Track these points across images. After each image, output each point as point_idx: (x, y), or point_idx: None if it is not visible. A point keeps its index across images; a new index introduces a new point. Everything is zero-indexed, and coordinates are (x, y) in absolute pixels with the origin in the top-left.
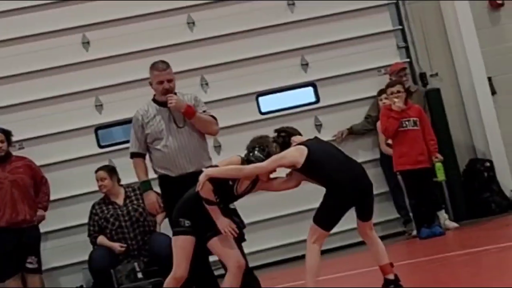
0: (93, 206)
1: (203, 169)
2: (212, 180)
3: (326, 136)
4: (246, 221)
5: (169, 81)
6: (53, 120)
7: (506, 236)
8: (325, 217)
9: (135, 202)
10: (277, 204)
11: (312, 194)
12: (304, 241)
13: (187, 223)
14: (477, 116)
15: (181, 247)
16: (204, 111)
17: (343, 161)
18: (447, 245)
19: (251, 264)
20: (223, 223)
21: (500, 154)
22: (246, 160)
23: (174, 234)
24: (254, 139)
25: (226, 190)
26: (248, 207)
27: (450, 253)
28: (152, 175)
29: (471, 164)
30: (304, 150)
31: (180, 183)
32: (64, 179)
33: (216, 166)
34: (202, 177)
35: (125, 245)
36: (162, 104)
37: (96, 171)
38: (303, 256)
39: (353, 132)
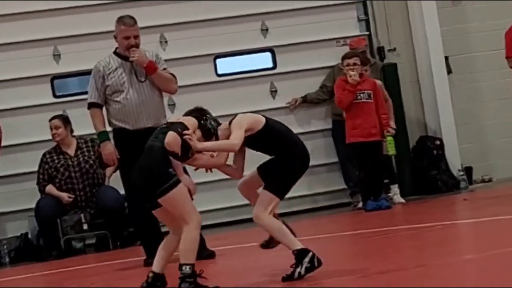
0: (43, 155)
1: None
2: (180, 137)
3: (280, 102)
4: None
5: (135, 37)
6: (9, 66)
7: (451, 214)
8: (283, 185)
9: (86, 153)
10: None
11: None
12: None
13: (174, 172)
14: (431, 94)
15: (185, 195)
16: (164, 69)
17: (290, 130)
18: (392, 219)
19: None
20: (188, 179)
21: (450, 133)
22: (200, 126)
23: (171, 187)
24: (197, 109)
25: (185, 150)
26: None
27: (394, 226)
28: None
29: (421, 141)
30: (258, 115)
31: (136, 137)
32: (16, 126)
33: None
34: (196, 147)
35: (73, 195)
36: (124, 58)
37: (51, 120)
38: (249, 219)
39: (307, 101)
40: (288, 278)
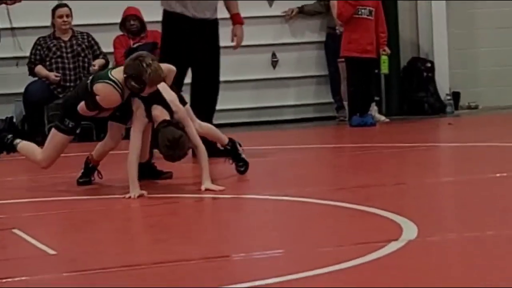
0: (38, 39)
1: None
2: None
3: (276, 11)
4: None
5: None
6: None
7: (435, 136)
8: None
9: (80, 40)
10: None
11: None
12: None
13: (71, 124)
14: (428, 16)
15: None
16: None
17: None
18: (376, 136)
19: None
20: None
21: (442, 56)
22: None
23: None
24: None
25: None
26: None
27: (377, 144)
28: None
29: (413, 62)
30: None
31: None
32: (11, 9)
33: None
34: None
35: (59, 74)
36: None
37: (59, 7)
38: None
39: (303, 12)
40: None
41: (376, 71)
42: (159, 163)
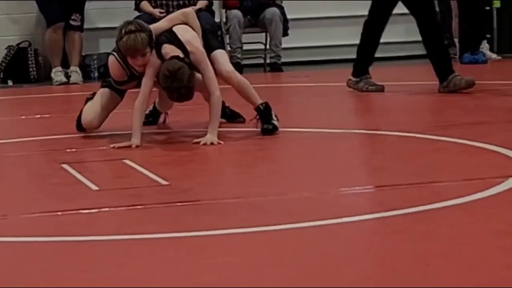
0: None
1: None
2: None
3: None
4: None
5: None
6: None
7: None
8: None
9: None
10: None
11: None
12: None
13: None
14: None
15: None
16: None
17: None
18: (487, 73)
19: None
20: None
21: None
22: None
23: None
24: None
25: None
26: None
27: (489, 81)
28: None
29: None
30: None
31: None
32: None
33: None
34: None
35: (164, 11)
36: None
37: None
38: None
39: None
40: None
41: (488, 8)
42: None
